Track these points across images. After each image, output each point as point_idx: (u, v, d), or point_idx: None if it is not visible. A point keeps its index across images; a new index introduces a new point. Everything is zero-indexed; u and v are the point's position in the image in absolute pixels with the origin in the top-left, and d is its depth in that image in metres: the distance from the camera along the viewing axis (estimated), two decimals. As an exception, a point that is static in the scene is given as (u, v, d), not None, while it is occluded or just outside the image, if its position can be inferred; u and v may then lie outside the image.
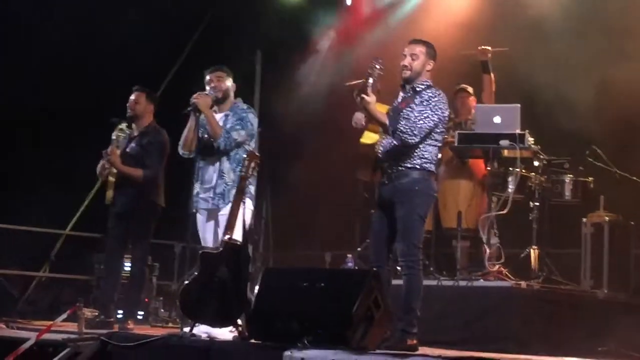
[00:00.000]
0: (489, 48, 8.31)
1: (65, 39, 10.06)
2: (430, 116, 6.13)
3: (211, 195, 6.84)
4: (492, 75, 8.30)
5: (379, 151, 6.30)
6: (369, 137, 6.41)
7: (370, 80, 6.19)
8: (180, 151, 7.02)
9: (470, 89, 8.43)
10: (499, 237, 8.00)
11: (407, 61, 6.29)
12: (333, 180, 9.80)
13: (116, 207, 7.69)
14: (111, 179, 7.64)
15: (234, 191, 6.68)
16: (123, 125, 7.69)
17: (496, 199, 7.87)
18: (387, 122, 6.17)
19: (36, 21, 10.19)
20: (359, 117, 6.45)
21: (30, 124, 10.48)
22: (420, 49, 6.31)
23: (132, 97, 7.78)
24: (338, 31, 11.56)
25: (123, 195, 7.65)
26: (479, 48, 8.35)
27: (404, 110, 6.19)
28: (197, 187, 6.89)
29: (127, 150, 7.71)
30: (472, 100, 8.37)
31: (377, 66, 6.24)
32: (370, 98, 6.13)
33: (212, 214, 6.88)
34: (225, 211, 6.71)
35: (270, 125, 10.43)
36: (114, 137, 7.65)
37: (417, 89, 6.26)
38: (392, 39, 10.23)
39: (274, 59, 11.37)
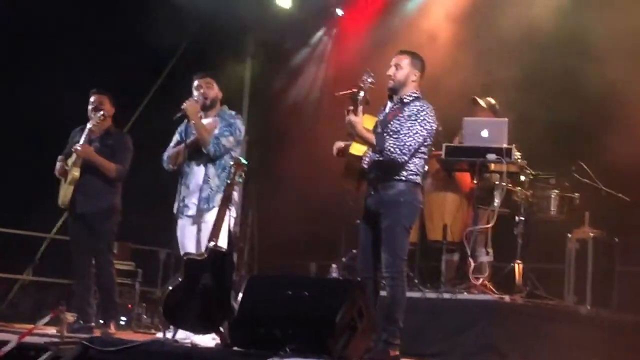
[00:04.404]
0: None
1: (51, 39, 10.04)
2: (419, 132, 6.11)
3: (195, 202, 6.79)
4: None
5: (365, 163, 6.30)
6: (356, 148, 6.43)
7: (361, 94, 6.19)
8: (165, 163, 6.97)
9: (483, 103, 8.27)
10: (491, 254, 8.00)
11: (391, 71, 6.31)
12: (319, 190, 9.79)
13: (77, 209, 7.58)
14: (75, 173, 7.49)
15: (218, 196, 6.67)
16: (100, 116, 7.59)
17: (487, 213, 7.79)
18: (374, 141, 6.15)
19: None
20: (339, 145, 6.45)
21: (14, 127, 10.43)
22: (405, 60, 6.31)
23: (94, 98, 7.69)
24: (330, 40, 11.60)
25: (83, 196, 7.54)
26: None
27: (392, 122, 6.19)
28: (183, 191, 6.82)
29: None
30: (485, 114, 8.19)
31: (369, 79, 6.24)
32: (357, 119, 6.12)
33: (195, 220, 6.82)
34: (208, 217, 6.68)
35: (258, 133, 10.45)
36: (89, 125, 7.56)
37: (405, 101, 6.26)
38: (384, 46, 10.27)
39: (264, 66, 11.39)
